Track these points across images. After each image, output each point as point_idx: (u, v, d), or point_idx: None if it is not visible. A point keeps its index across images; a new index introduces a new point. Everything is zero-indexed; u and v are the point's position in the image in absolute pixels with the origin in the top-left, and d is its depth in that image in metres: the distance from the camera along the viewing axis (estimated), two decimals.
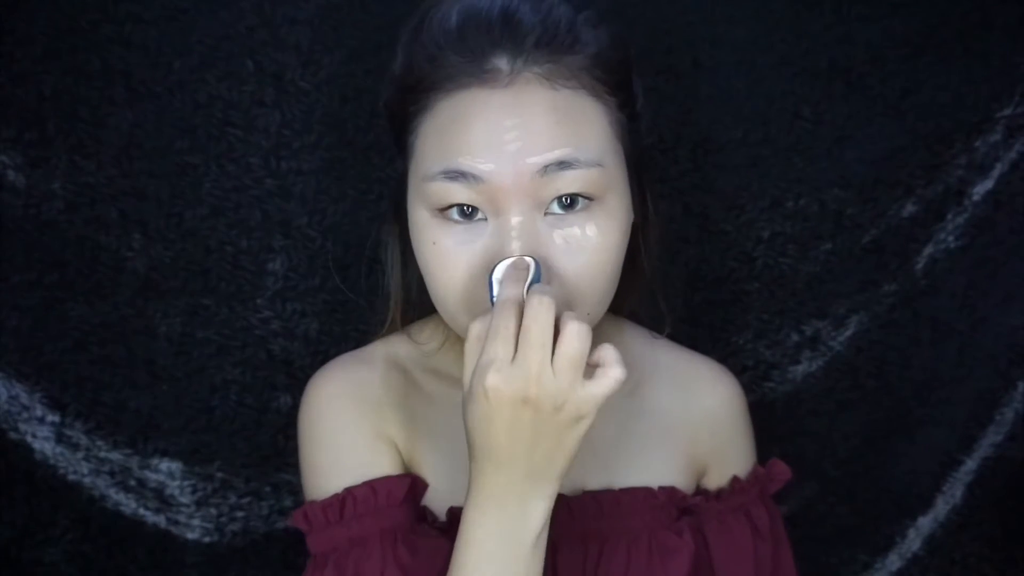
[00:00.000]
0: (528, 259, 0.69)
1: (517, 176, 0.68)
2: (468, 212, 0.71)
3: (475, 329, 0.67)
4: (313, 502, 0.79)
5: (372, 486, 0.78)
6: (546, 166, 0.68)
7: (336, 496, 0.78)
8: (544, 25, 0.71)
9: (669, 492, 0.83)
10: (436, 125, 0.71)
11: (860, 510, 1.11)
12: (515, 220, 0.69)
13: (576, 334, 0.63)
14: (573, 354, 0.63)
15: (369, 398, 0.82)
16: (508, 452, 0.65)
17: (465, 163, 0.69)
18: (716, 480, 0.88)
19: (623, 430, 0.85)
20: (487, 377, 0.63)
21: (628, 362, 0.87)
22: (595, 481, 0.82)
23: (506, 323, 0.64)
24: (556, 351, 0.63)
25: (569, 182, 0.69)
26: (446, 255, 0.72)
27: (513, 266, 0.69)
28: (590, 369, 0.65)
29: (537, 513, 0.67)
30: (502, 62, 0.70)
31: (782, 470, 0.89)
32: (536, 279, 0.68)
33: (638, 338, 0.90)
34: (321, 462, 0.80)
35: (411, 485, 0.79)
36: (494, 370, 0.63)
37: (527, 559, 0.68)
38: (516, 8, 0.71)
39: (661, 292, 0.88)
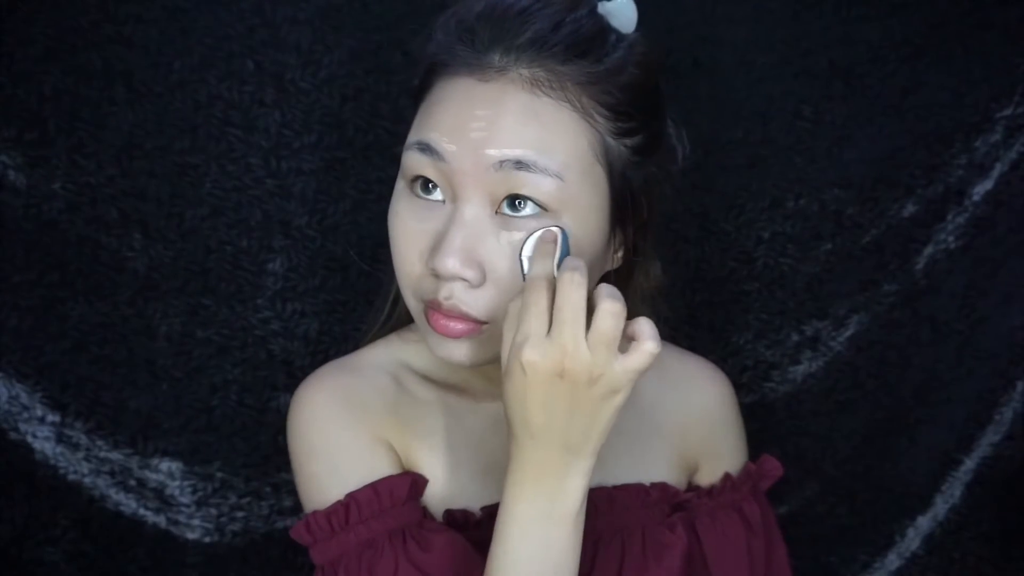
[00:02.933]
0: (555, 230, 0.70)
1: (475, 164, 0.69)
2: (430, 188, 0.72)
3: (512, 308, 0.67)
4: (316, 512, 0.78)
5: (374, 488, 0.77)
6: (503, 161, 0.69)
7: (339, 503, 0.77)
8: (546, 31, 0.71)
9: (661, 488, 0.84)
10: (428, 102, 0.74)
11: (860, 510, 1.11)
12: (468, 213, 0.70)
13: (610, 314, 0.64)
14: (607, 333, 0.64)
15: (359, 403, 0.81)
16: (545, 425, 0.66)
17: (433, 138, 0.71)
18: (708, 477, 0.88)
19: (615, 427, 0.84)
20: (524, 352, 0.64)
21: None
22: None
23: (537, 299, 0.65)
24: (591, 329, 0.64)
25: (522, 182, 0.70)
26: (403, 230, 0.74)
27: (540, 239, 0.70)
28: (625, 342, 0.66)
29: (575, 488, 0.68)
30: (495, 57, 0.71)
31: (774, 466, 0.90)
32: (565, 252, 0.69)
33: None
34: (317, 471, 0.79)
35: (412, 483, 0.79)
36: (530, 345, 0.64)
37: (567, 538, 0.68)
38: (534, 10, 0.72)
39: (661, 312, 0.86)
